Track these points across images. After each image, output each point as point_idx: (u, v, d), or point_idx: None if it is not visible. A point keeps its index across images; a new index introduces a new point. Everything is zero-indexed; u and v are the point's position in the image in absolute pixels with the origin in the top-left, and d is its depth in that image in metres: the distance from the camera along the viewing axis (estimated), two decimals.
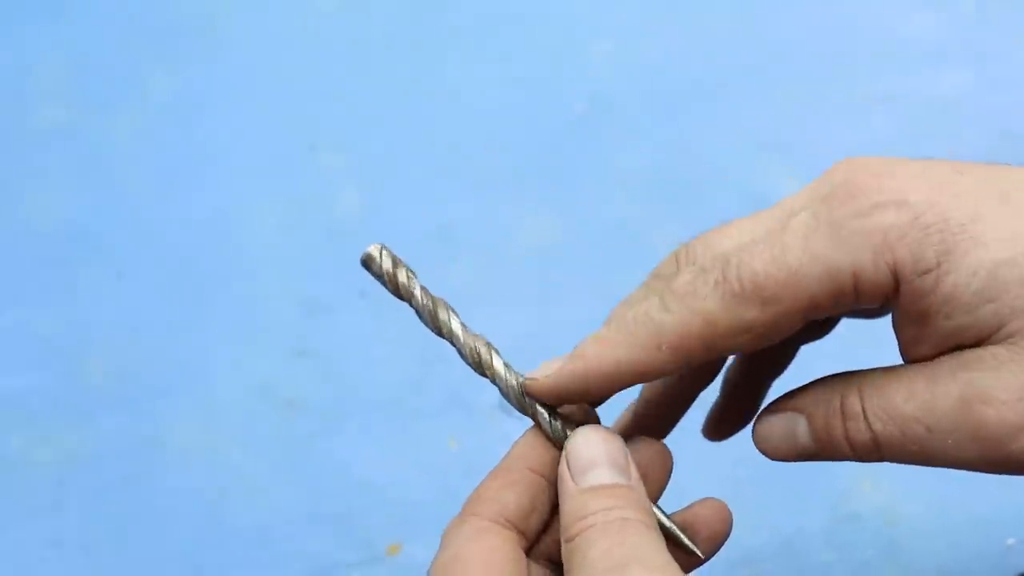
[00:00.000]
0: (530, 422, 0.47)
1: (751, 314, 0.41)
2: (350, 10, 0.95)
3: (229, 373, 0.79)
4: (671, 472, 0.47)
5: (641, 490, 0.44)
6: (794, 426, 0.45)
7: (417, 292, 0.46)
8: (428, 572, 0.43)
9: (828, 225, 0.41)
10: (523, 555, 0.44)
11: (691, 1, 0.93)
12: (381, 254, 0.46)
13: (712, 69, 0.90)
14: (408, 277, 0.46)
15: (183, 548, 0.73)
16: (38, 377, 0.79)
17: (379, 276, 0.46)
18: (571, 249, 0.82)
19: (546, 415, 0.46)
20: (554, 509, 0.46)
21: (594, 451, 0.44)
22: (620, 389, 0.45)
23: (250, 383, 0.78)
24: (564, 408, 0.46)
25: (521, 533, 0.45)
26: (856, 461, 0.44)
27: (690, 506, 0.47)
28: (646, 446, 0.46)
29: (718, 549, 0.47)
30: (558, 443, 0.46)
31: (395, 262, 0.46)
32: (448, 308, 0.47)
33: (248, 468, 0.76)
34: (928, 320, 0.41)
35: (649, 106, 0.89)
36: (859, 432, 0.43)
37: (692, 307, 0.42)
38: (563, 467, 0.44)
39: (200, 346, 0.80)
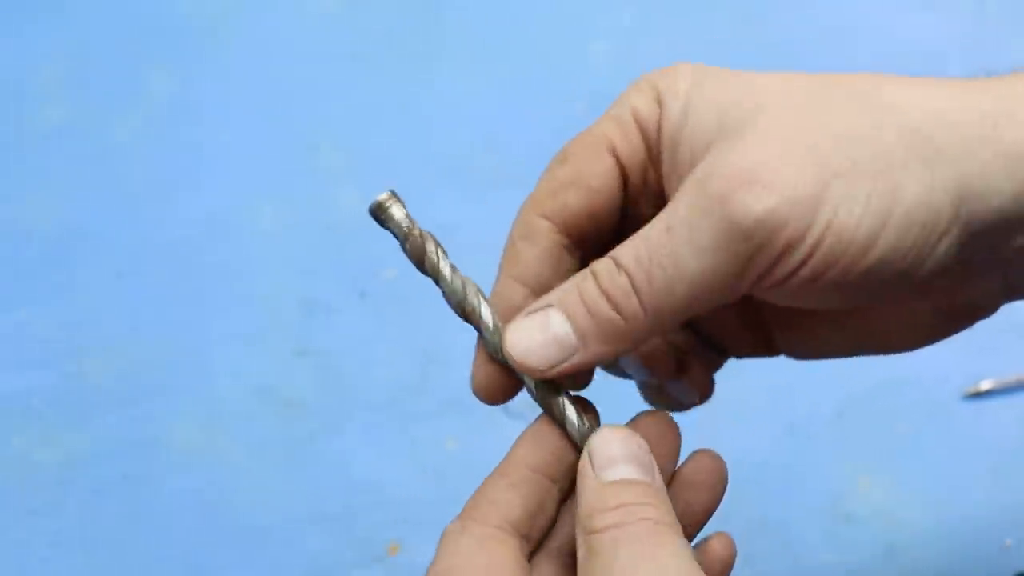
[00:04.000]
0: (526, 423, 0.45)
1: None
2: (350, 10, 0.95)
3: (229, 373, 0.79)
4: (679, 449, 0.45)
5: (664, 492, 0.42)
6: (546, 320, 0.43)
7: (446, 271, 0.45)
8: None
9: None
10: (526, 564, 0.42)
11: (690, 1, 0.93)
12: (394, 205, 0.46)
13: None
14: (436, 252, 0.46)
15: (183, 548, 0.73)
16: (38, 377, 0.80)
17: (395, 234, 0.45)
18: None
19: (572, 409, 0.44)
20: (560, 509, 0.44)
21: (617, 448, 0.42)
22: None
23: (250, 383, 0.79)
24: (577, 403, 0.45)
25: (524, 538, 0.43)
26: (624, 338, 0.42)
27: (683, 463, 0.45)
28: (652, 420, 0.45)
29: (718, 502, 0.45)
30: (574, 438, 0.44)
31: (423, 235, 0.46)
32: (469, 285, 0.46)
33: (248, 468, 0.76)
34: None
35: None
36: (616, 285, 0.42)
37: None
38: (584, 463, 0.42)
39: (200, 346, 0.80)
